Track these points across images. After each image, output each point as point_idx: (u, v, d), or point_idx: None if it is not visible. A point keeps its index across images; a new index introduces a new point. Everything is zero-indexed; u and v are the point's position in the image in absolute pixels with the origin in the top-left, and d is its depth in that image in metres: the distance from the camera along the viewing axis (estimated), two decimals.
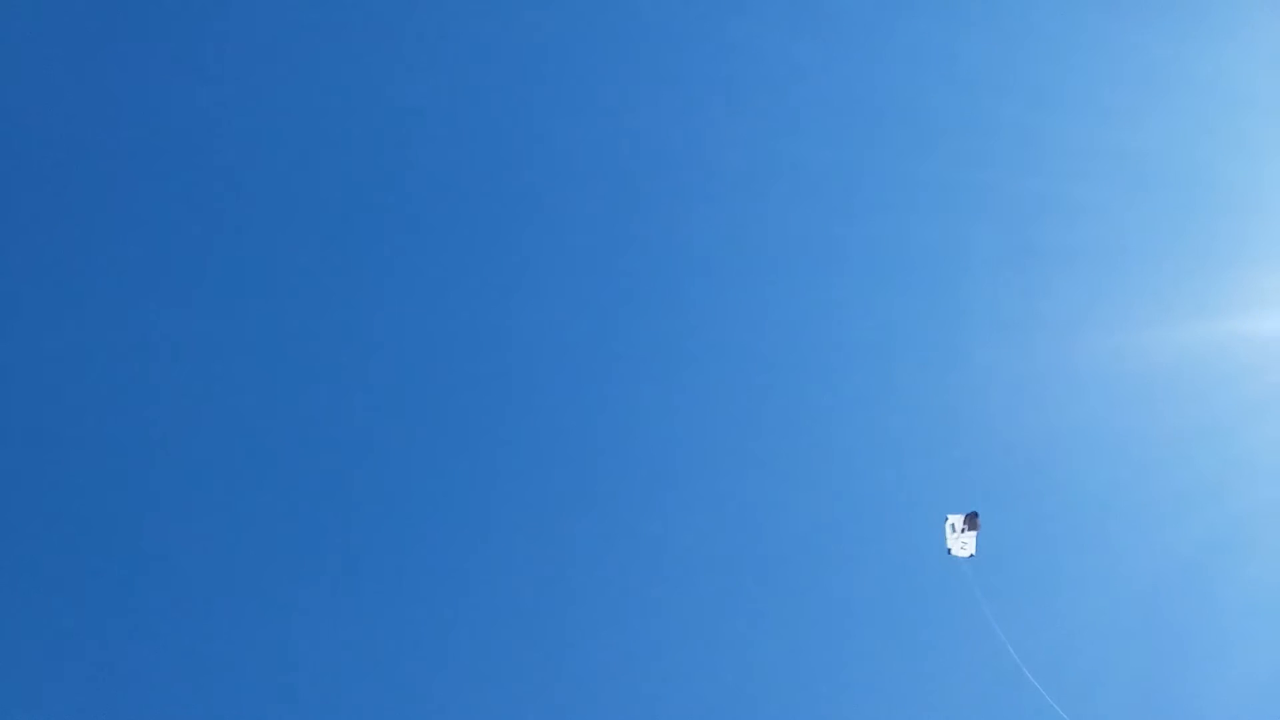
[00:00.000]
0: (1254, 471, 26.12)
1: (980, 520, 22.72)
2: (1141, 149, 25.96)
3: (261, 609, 25.08)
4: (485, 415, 26.40)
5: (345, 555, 25.86)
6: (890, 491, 25.98)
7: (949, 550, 22.79)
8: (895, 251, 26.02)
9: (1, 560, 24.23)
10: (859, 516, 26.33)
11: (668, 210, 25.74)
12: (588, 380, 26.20)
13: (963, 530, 22.74)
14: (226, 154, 25.22)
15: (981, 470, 25.86)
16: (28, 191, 24.25)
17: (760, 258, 26.24)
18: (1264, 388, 26.20)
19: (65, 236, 24.58)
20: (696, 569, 26.06)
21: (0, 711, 23.74)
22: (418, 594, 25.78)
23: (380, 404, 26.16)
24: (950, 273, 25.82)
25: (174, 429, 25.06)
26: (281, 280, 25.56)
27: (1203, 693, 25.34)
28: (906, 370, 25.99)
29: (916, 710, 25.59)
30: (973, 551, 22.82)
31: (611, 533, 26.25)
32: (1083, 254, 25.93)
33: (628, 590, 26.14)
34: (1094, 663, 25.15)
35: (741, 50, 25.51)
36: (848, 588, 25.97)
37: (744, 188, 25.86)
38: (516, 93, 25.81)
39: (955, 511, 22.97)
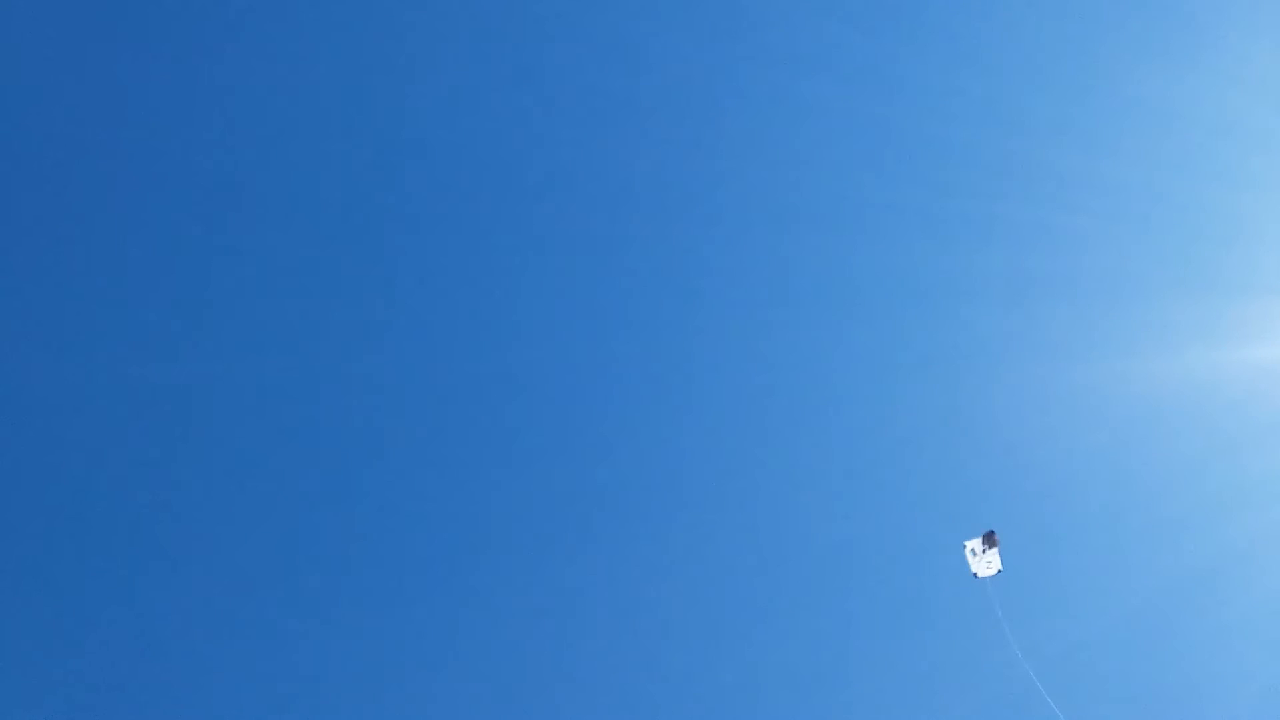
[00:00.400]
0: (1256, 495, 26.45)
1: (998, 536, 22.81)
2: (1144, 180, 26.08)
3: (261, 610, 25.09)
4: (488, 419, 26.38)
5: (345, 557, 25.86)
6: (900, 513, 26.19)
7: (975, 574, 22.82)
8: (900, 281, 26.09)
9: (1, 560, 24.19)
10: (868, 540, 26.51)
11: (677, 238, 25.69)
12: (602, 398, 26.22)
13: (984, 551, 22.83)
14: (225, 155, 24.96)
15: (987, 492, 26.10)
16: (27, 192, 24.00)
17: (765, 286, 26.24)
18: (1265, 413, 26.45)
19: (65, 237, 24.36)
20: (702, 580, 26.23)
21: (0, 711, 23.78)
22: (418, 597, 25.84)
23: (380, 406, 26.07)
24: (956, 302, 25.87)
25: (172, 430, 24.96)
26: (282, 283, 25.38)
27: (1206, 709, 25.75)
28: (914, 396, 26.11)
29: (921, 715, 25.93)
30: (999, 568, 22.81)
31: (618, 541, 26.38)
32: (1087, 283, 26.06)
33: (631, 595, 26.27)
34: (1099, 679, 25.51)
35: (749, 80, 25.41)
36: (858, 610, 26.19)
37: (749, 216, 25.81)
38: (520, 100, 25.60)
39: (964, 534, 23.11)
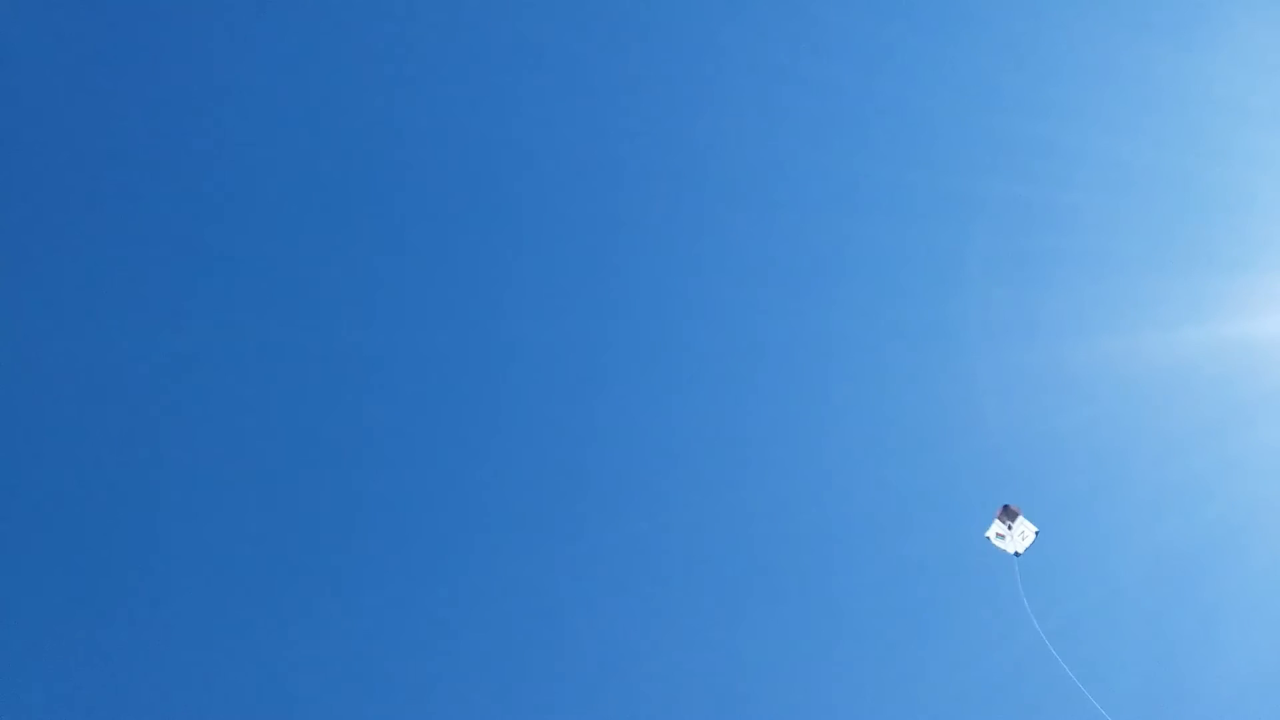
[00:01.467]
0: (1244, 473, 26.50)
1: (1015, 506, 21.79)
2: (1133, 155, 26.18)
3: (252, 612, 25.04)
4: (478, 417, 26.41)
5: (336, 557, 25.84)
6: (887, 495, 26.17)
7: (1016, 554, 21.85)
8: (889, 258, 26.13)
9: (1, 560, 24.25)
10: (854, 521, 26.51)
11: (663, 218, 25.79)
12: (582, 388, 26.21)
13: (1010, 527, 21.85)
14: (214, 155, 25.13)
15: (975, 472, 26.11)
16: (24, 193, 24.21)
17: (754, 266, 26.33)
18: (1254, 391, 26.53)
19: (60, 238, 24.54)
20: (688, 574, 26.17)
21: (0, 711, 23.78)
22: (409, 598, 25.77)
23: (369, 405, 26.11)
24: (944, 279, 25.96)
25: (163, 430, 25.03)
26: (272, 281, 25.47)
27: (1194, 689, 25.73)
28: (902, 375, 26.17)
29: (910, 708, 25.86)
30: (1035, 530, 21.75)
31: (605, 537, 26.31)
32: (1075, 259, 26.18)
33: (620, 593, 26.22)
34: (1086, 659, 25.44)
35: (737, 57, 25.56)
36: (842, 592, 26.13)
37: (738, 195, 25.93)
38: (510, 97, 25.78)
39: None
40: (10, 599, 24.08)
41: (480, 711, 25.81)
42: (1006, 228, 25.98)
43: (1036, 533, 21.98)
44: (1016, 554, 22.07)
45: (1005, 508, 21.99)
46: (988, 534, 22.21)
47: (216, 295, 25.10)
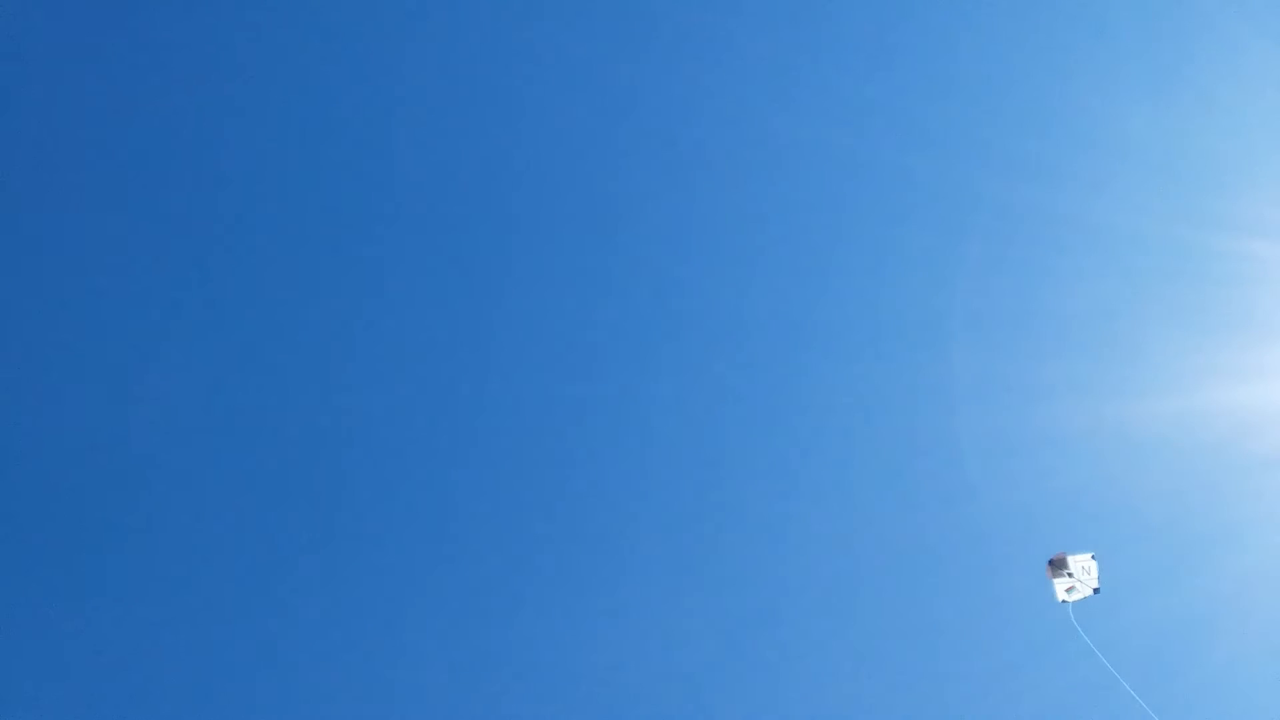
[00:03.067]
0: (1236, 541, 26.47)
1: (1058, 555, 21.42)
2: (1130, 221, 25.71)
3: (238, 609, 25.50)
4: (466, 412, 26.45)
5: (324, 553, 26.16)
6: (865, 564, 26.21)
7: (1096, 591, 21.31)
8: (880, 316, 25.77)
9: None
10: (831, 586, 26.53)
11: (650, 220, 25.39)
12: (558, 405, 26.12)
13: (1069, 576, 21.41)
14: (207, 153, 24.82)
15: (959, 538, 26.07)
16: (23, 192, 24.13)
17: (729, 325, 25.95)
18: (1249, 457, 26.30)
19: (58, 236, 24.53)
20: (668, 582, 26.41)
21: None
22: (394, 594, 26.13)
23: (357, 400, 26.15)
24: (934, 340, 25.65)
25: (152, 427, 25.25)
26: (258, 276, 25.31)
27: None
28: (886, 436, 25.98)
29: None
30: (1091, 554, 21.34)
31: (589, 544, 26.53)
32: (1072, 323, 25.87)
33: (604, 593, 26.53)
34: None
35: (725, 108, 25.06)
36: (823, 640, 26.31)
37: (713, 254, 25.55)
38: (500, 94, 25.31)
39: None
40: (10, 599, 24.74)
41: (469, 711, 26.51)
42: (1000, 290, 25.59)
43: (1093, 556, 21.65)
44: (1096, 591, 21.62)
45: (1051, 563, 21.56)
46: (1059, 599, 21.66)
47: (199, 287, 25.05)
